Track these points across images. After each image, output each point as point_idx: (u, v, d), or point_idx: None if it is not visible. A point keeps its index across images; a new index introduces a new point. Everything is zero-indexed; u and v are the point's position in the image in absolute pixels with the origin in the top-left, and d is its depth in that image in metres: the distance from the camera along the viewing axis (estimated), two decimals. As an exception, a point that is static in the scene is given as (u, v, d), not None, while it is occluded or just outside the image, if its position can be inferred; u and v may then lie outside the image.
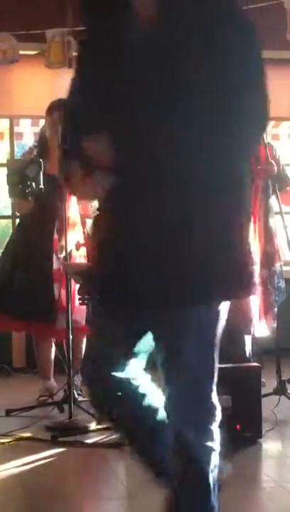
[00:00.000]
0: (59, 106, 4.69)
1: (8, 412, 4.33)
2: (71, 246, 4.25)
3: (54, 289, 4.40)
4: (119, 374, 2.17)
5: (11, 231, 6.30)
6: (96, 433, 3.90)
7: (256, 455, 3.63)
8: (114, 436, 3.82)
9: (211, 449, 2.24)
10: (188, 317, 2.06)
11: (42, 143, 4.74)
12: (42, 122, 6.15)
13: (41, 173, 4.20)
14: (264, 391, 4.03)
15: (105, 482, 3.36)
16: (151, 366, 2.27)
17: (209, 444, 2.24)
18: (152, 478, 2.36)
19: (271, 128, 6.64)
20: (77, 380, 4.68)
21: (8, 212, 6.45)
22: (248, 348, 4.78)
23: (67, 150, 2.41)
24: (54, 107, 4.71)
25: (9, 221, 6.46)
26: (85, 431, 3.93)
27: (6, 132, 6.43)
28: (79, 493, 3.21)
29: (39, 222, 4.57)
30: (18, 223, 4.93)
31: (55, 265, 4.42)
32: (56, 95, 4.88)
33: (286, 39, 5.74)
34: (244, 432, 3.72)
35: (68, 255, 4.21)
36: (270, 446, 3.73)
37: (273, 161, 4.40)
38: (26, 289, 4.51)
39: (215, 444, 2.26)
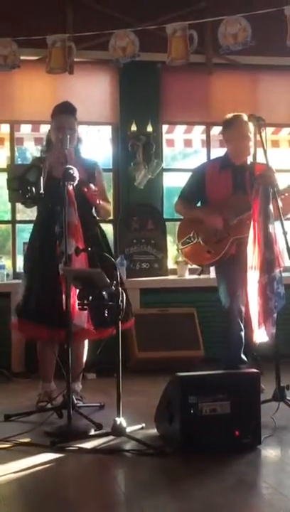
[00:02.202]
0: (63, 109, 4.70)
1: (7, 417, 4.32)
2: (71, 251, 4.26)
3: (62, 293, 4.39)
4: None
5: (11, 236, 6.33)
6: (95, 439, 3.90)
7: (256, 461, 3.62)
8: (112, 442, 3.83)
9: None
10: None
11: (48, 146, 4.75)
12: (42, 127, 6.19)
13: (41, 178, 4.20)
14: (263, 397, 4.03)
15: (104, 488, 3.36)
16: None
17: None
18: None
19: (270, 134, 6.65)
20: (76, 385, 4.69)
21: (8, 217, 6.46)
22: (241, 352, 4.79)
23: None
24: (58, 110, 4.72)
25: (9, 226, 6.47)
26: (84, 436, 3.92)
27: (6, 137, 6.44)
28: (77, 498, 3.21)
29: (43, 227, 4.58)
30: (32, 228, 4.91)
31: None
32: (57, 100, 4.91)
33: (286, 45, 5.76)
34: (243, 438, 3.72)
35: (68, 260, 4.21)
36: (269, 452, 3.72)
37: (272, 168, 4.42)
38: (42, 295, 4.52)
39: None
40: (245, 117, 4.78)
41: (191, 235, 4.90)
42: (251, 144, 4.82)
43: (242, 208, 4.65)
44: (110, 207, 4.90)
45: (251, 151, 4.84)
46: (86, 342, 4.71)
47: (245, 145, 4.81)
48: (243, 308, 4.72)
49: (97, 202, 4.60)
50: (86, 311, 4.22)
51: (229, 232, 4.76)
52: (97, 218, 4.79)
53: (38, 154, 4.82)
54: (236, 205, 4.72)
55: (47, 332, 4.52)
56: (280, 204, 4.30)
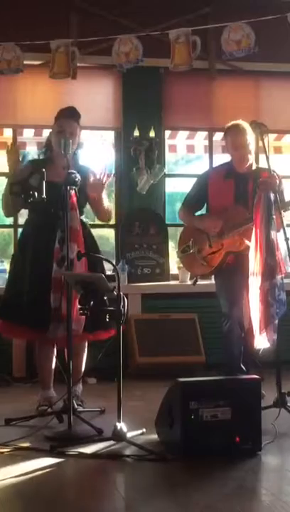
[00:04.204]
0: (67, 113, 4.71)
1: (8, 422, 4.32)
2: (72, 255, 4.26)
3: (51, 297, 4.40)
4: None
5: (13, 240, 6.33)
6: (95, 444, 3.89)
7: (256, 468, 3.62)
8: (113, 447, 3.82)
9: None
10: None
11: (47, 149, 4.76)
12: (45, 132, 6.20)
13: (44, 182, 4.20)
14: (263, 403, 4.03)
15: (104, 493, 3.35)
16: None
17: None
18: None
19: (273, 140, 6.66)
20: (77, 390, 4.69)
21: (10, 221, 6.46)
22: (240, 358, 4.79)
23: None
24: (62, 114, 4.72)
25: (11, 230, 6.48)
26: (84, 441, 3.92)
27: (9, 142, 6.44)
28: (77, 504, 3.20)
29: (41, 230, 4.58)
30: (22, 231, 4.92)
31: (54, 274, 4.41)
32: (60, 105, 4.91)
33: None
34: (244, 444, 3.72)
35: (69, 265, 4.22)
36: (269, 459, 3.72)
37: (275, 174, 4.42)
38: (28, 297, 4.52)
39: None
40: (243, 126, 4.76)
41: (189, 243, 4.92)
42: (251, 152, 4.79)
43: (238, 222, 4.65)
44: (111, 208, 4.89)
45: (251, 159, 4.82)
46: (85, 346, 4.71)
47: (241, 154, 4.77)
48: (243, 318, 4.71)
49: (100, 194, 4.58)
50: (83, 316, 4.22)
51: (222, 245, 4.76)
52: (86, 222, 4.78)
53: (38, 156, 4.84)
54: (232, 219, 4.70)
55: (30, 333, 4.57)
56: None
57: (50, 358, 4.67)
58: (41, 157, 4.79)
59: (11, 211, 4.81)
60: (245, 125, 4.74)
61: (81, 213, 4.64)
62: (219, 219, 4.75)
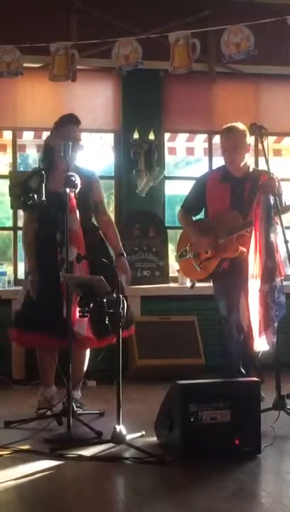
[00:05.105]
0: (71, 119, 4.71)
1: (7, 424, 4.32)
2: (72, 258, 4.26)
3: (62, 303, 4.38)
4: None
5: (12, 242, 6.33)
6: (94, 446, 3.89)
7: (255, 470, 3.62)
8: (112, 450, 3.82)
9: None
10: None
11: (48, 155, 4.75)
12: (45, 134, 6.20)
13: (43, 184, 4.21)
14: (263, 406, 4.03)
15: (103, 496, 3.35)
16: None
17: None
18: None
19: (273, 143, 6.66)
20: (76, 393, 4.68)
21: (10, 223, 6.46)
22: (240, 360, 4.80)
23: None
24: (66, 120, 4.72)
25: (10, 232, 6.47)
26: (83, 444, 3.92)
27: (8, 144, 6.46)
28: (77, 506, 3.20)
29: (47, 233, 4.58)
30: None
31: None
32: (59, 108, 4.92)
33: (289, 55, 5.77)
34: (243, 446, 3.72)
35: (69, 267, 4.22)
36: (269, 461, 3.72)
37: (274, 177, 4.41)
38: (42, 302, 4.50)
39: None
40: (237, 129, 4.74)
41: (187, 248, 4.92)
42: (244, 157, 4.77)
43: (232, 228, 4.65)
44: (113, 223, 4.91)
45: (244, 163, 4.80)
46: (87, 350, 4.70)
47: (231, 157, 4.74)
48: (242, 321, 4.71)
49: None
50: (86, 319, 4.22)
51: (217, 251, 4.76)
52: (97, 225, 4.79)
53: (38, 164, 4.85)
54: (228, 224, 4.69)
55: (48, 340, 4.50)
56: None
57: (52, 356, 4.64)
58: (41, 164, 4.77)
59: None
60: (240, 128, 4.72)
61: (91, 217, 4.64)
62: (207, 237, 4.76)
